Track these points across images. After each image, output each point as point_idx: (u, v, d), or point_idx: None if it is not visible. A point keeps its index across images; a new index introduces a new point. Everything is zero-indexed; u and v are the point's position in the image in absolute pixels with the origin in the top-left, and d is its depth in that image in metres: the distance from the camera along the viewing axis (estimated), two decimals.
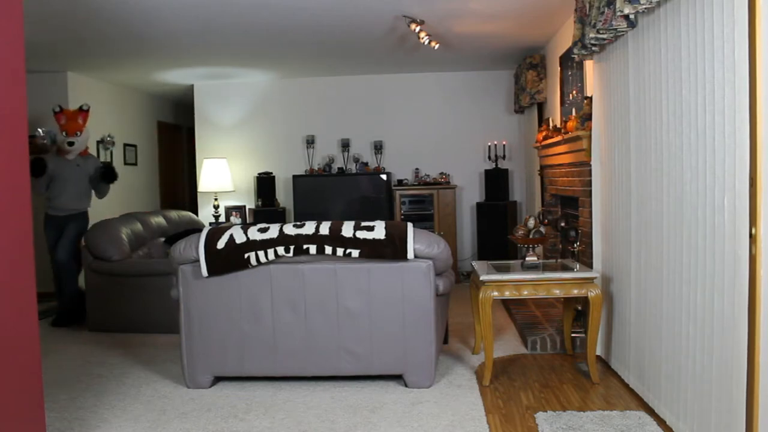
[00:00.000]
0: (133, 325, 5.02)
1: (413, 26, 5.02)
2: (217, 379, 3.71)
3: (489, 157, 7.42)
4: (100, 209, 7.07)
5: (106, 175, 5.48)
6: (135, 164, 8.19)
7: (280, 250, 3.49)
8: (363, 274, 3.51)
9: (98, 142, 7.35)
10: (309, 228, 3.56)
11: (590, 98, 4.21)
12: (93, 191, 5.60)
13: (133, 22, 4.89)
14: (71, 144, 5.33)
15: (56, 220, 5.41)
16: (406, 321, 3.51)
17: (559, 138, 4.86)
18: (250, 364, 3.60)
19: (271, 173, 7.48)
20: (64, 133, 5.36)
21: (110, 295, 5.08)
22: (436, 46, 5.48)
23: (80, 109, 5.46)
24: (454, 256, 6.70)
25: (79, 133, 5.37)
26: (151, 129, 8.71)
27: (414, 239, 3.51)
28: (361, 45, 5.95)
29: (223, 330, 3.59)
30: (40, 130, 5.59)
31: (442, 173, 7.44)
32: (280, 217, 7.29)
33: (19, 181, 2.41)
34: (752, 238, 2.22)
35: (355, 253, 3.48)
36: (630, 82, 3.39)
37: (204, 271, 3.53)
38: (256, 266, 3.54)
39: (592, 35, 3.52)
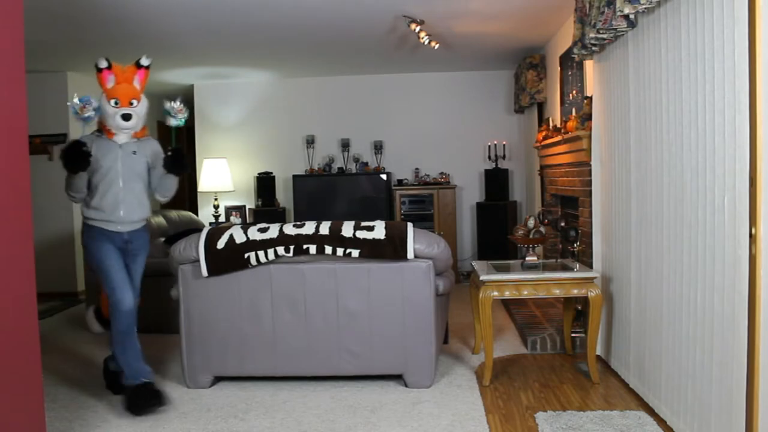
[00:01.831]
0: None
1: (413, 26, 5.02)
2: (217, 379, 3.71)
3: (489, 157, 7.42)
4: None
5: (175, 164, 3.45)
6: None
7: (280, 250, 3.49)
8: (363, 274, 3.51)
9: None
10: (309, 228, 3.56)
11: (590, 98, 4.21)
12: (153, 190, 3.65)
13: (133, 22, 4.89)
14: (127, 118, 3.37)
15: (108, 237, 3.39)
16: (406, 321, 3.51)
17: (559, 138, 4.86)
18: (250, 364, 3.60)
19: (271, 173, 7.48)
20: (113, 102, 3.39)
21: None
22: (436, 46, 5.48)
23: (137, 64, 3.54)
24: (454, 256, 6.70)
25: (135, 101, 3.43)
26: (151, 129, 8.68)
27: (414, 239, 3.51)
28: (361, 45, 5.95)
29: (223, 330, 3.59)
30: (76, 99, 3.29)
31: (442, 173, 7.44)
32: (280, 217, 7.29)
33: (19, 181, 2.41)
34: (752, 238, 2.22)
35: (355, 253, 3.48)
36: (630, 82, 3.39)
37: (204, 271, 3.53)
38: (256, 266, 3.54)
39: (592, 35, 3.52)
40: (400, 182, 7.40)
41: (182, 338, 3.61)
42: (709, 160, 2.50)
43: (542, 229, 4.16)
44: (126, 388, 3.31)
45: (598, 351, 3.93)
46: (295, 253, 3.51)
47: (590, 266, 4.09)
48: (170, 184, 3.58)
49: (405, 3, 4.64)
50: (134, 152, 3.45)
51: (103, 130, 3.47)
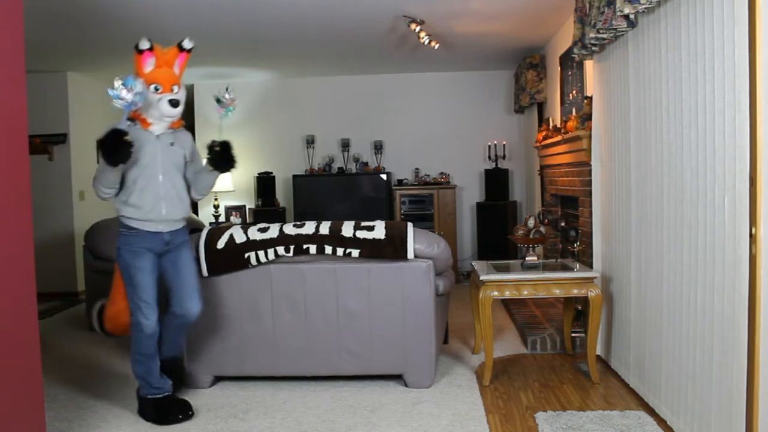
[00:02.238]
0: None
1: (413, 26, 5.02)
2: (217, 379, 3.71)
3: (489, 157, 7.42)
4: (100, 210, 7.07)
5: (223, 160, 3.16)
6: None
7: (280, 249, 3.49)
8: (363, 274, 3.51)
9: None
10: (309, 228, 3.56)
11: (590, 98, 4.21)
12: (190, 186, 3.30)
13: (133, 22, 4.89)
14: (176, 104, 3.06)
15: (147, 242, 3.10)
16: (406, 321, 3.51)
17: (559, 138, 4.86)
18: (250, 364, 3.60)
19: (271, 173, 7.49)
20: (153, 87, 3.03)
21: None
22: (436, 46, 5.48)
23: (180, 47, 3.15)
24: (454, 256, 6.70)
25: (177, 87, 3.11)
26: None
27: (414, 239, 3.51)
28: (361, 45, 5.95)
29: (223, 330, 3.59)
30: (118, 81, 2.81)
31: (442, 173, 7.44)
32: (280, 217, 7.29)
33: (19, 181, 2.41)
34: (752, 238, 2.22)
35: (355, 252, 3.48)
36: (630, 82, 3.39)
37: (204, 271, 3.53)
38: (256, 266, 3.54)
39: (592, 35, 3.52)
40: (400, 182, 7.40)
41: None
42: (709, 160, 2.50)
43: (542, 229, 4.16)
44: (145, 400, 3.19)
45: (598, 351, 3.93)
46: (295, 253, 3.51)
47: (590, 266, 4.09)
48: (210, 182, 3.27)
49: (405, 3, 4.64)
50: (172, 144, 3.12)
51: (136, 119, 3.06)
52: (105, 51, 5.91)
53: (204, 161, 3.22)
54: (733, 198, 2.32)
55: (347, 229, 3.53)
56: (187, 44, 3.13)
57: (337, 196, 7.31)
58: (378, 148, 7.48)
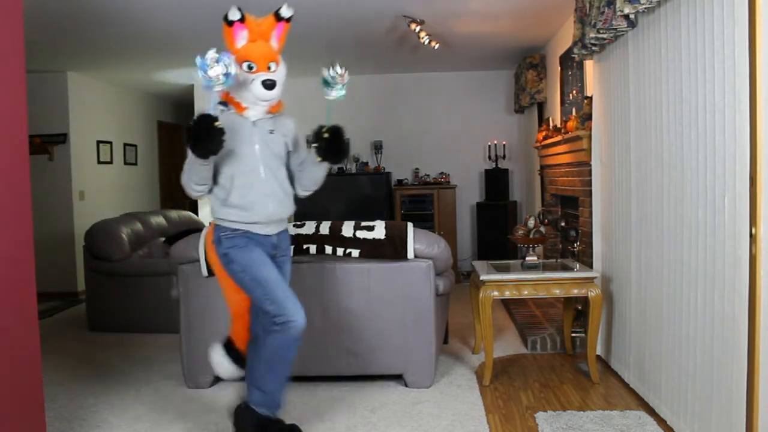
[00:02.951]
0: (133, 325, 5.02)
1: (413, 26, 5.02)
2: (217, 379, 3.71)
3: (489, 157, 7.42)
4: (100, 210, 7.07)
5: (333, 149, 2.67)
6: (135, 164, 8.19)
7: None
8: (363, 274, 3.51)
9: (98, 143, 7.35)
10: (309, 228, 3.56)
11: (590, 98, 4.21)
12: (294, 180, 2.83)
13: (133, 22, 4.89)
14: (270, 86, 2.60)
15: (256, 239, 2.66)
16: (406, 321, 3.51)
17: (559, 138, 4.86)
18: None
19: None
20: (245, 66, 2.57)
21: (110, 295, 5.08)
22: (436, 46, 5.48)
23: (276, 16, 2.66)
24: (454, 256, 6.70)
25: (274, 65, 2.66)
26: (151, 129, 8.72)
27: (414, 239, 3.51)
28: (361, 45, 5.94)
29: (223, 330, 3.58)
30: (213, 53, 2.35)
31: (442, 173, 7.44)
32: None
33: (19, 181, 2.41)
34: (752, 238, 2.22)
35: (355, 252, 3.48)
36: (630, 82, 3.39)
37: (204, 271, 3.52)
38: None
39: (592, 35, 3.52)
40: (400, 182, 7.40)
41: (182, 338, 3.61)
42: (709, 160, 2.50)
43: (542, 229, 4.16)
44: (253, 413, 2.69)
45: (598, 351, 3.93)
46: (295, 253, 3.50)
47: (590, 266, 4.09)
48: (318, 175, 2.76)
49: (405, 3, 4.63)
50: (271, 131, 2.68)
51: (229, 102, 2.63)
52: (105, 51, 5.91)
53: (311, 151, 2.70)
54: (733, 198, 2.32)
55: (347, 229, 3.53)
56: (285, 12, 2.63)
57: (337, 196, 7.30)
58: (378, 148, 7.47)
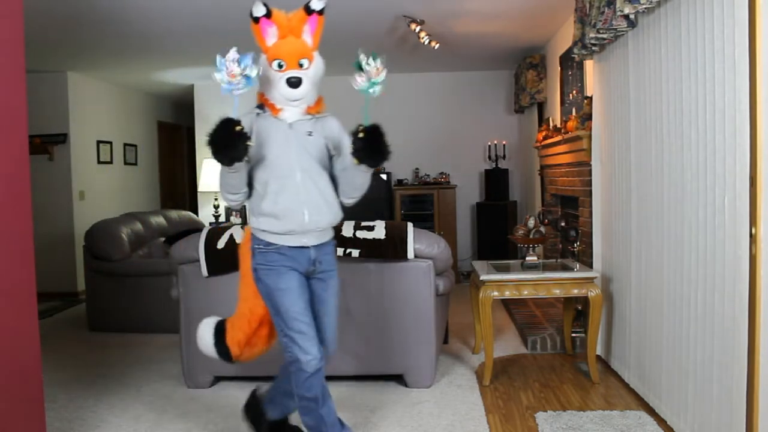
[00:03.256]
0: (133, 325, 5.02)
1: (413, 26, 5.02)
2: (217, 379, 3.71)
3: (489, 157, 7.42)
4: (100, 210, 7.08)
5: (370, 150, 2.37)
6: (135, 164, 8.19)
7: None
8: (363, 274, 3.51)
9: (98, 143, 7.35)
10: None
11: (590, 98, 4.21)
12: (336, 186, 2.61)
13: (133, 22, 4.89)
14: (295, 84, 2.45)
15: (290, 260, 2.46)
16: (406, 321, 3.50)
17: (559, 138, 4.86)
18: (250, 364, 3.58)
19: None
20: (275, 64, 2.47)
21: (110, 295, 5.08)
22: (436, 46, 5.48)
23: (307, 9, 2.56)
24: (454, 256, 6.70)
25: (306, 61, 2.53)
26: (151, 129, 8.71)
27: (414, 239, 3.51)
28: (361, 45, 5.92)
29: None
30: (234, 53, 2.33)
31: (442, 173, 7.44)
32: None
33: (19, 181, 2.41)
34: (752, 238, 2.22)
35: (355, 252, 3.48)
36: (630, 81, 3.39)
37: (204, 271, 3.52)
38: None
39: (592, 35, 3.52)
40: (400, 182, 7.40)
41: (182, 338, 3.61)
42: (709, 160, 2.50)
43: (542, 229, 4.16)
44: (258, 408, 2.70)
45: (598, 351, 3.93)
46: None
47: (590, 266, 4.09)
48: (358, 180, 2.52)
49: (405, 3, 4.63)
50: (309, 133, 2.48)
51: (265, 105, 2.50)
52: (105, 51, 5.91)
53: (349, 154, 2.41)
54: (733, 198, 2.32)
55: (347, 229, 3.53)
56: (316, 4, 2.49)
57: None
58: None
